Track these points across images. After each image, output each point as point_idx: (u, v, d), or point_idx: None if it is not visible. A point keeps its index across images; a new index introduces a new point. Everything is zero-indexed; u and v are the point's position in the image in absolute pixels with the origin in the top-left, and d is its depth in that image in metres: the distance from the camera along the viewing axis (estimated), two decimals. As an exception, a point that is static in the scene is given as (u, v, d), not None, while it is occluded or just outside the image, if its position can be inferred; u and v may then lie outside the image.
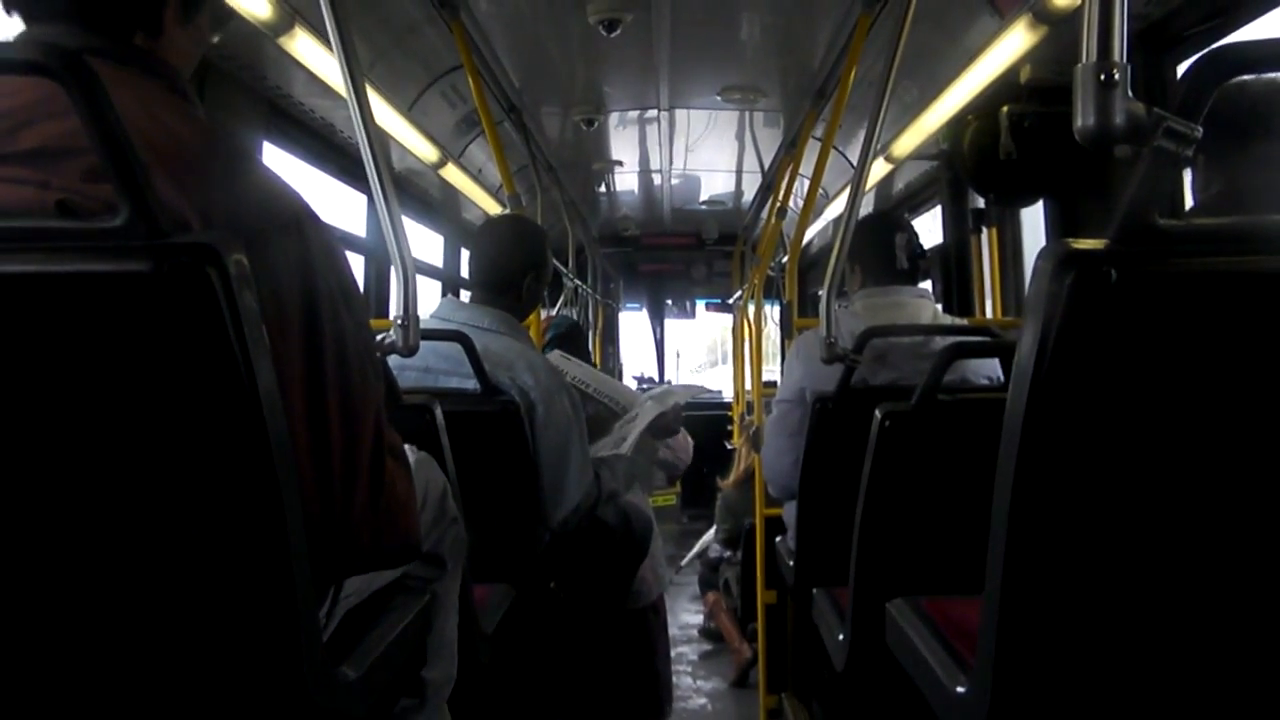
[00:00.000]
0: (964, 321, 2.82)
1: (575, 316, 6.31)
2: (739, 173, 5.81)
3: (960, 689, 1.22)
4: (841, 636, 2.00)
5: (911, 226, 2.71)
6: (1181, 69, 2.36)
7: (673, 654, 4.36)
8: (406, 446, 1.29)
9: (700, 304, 9.36)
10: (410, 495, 1.17)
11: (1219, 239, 0.99)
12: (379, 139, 1.70)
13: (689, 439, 3.33)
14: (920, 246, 2.65)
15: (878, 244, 2.60)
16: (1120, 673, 1.05)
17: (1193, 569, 1.03)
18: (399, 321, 1.64)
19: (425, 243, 5.00)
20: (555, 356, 2.92)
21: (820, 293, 2.37)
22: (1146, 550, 1.02)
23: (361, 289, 2.90)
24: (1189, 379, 0.98)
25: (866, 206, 4.81)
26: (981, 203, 3.69)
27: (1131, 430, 0.99)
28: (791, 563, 2.58)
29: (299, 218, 1.05)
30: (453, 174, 4.20)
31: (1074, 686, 1.07)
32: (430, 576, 1.57)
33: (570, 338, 3.56)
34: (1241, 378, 0.98)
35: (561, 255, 5.48)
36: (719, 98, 4.11)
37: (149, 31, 1.10)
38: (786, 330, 3.43)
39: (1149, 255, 0.94)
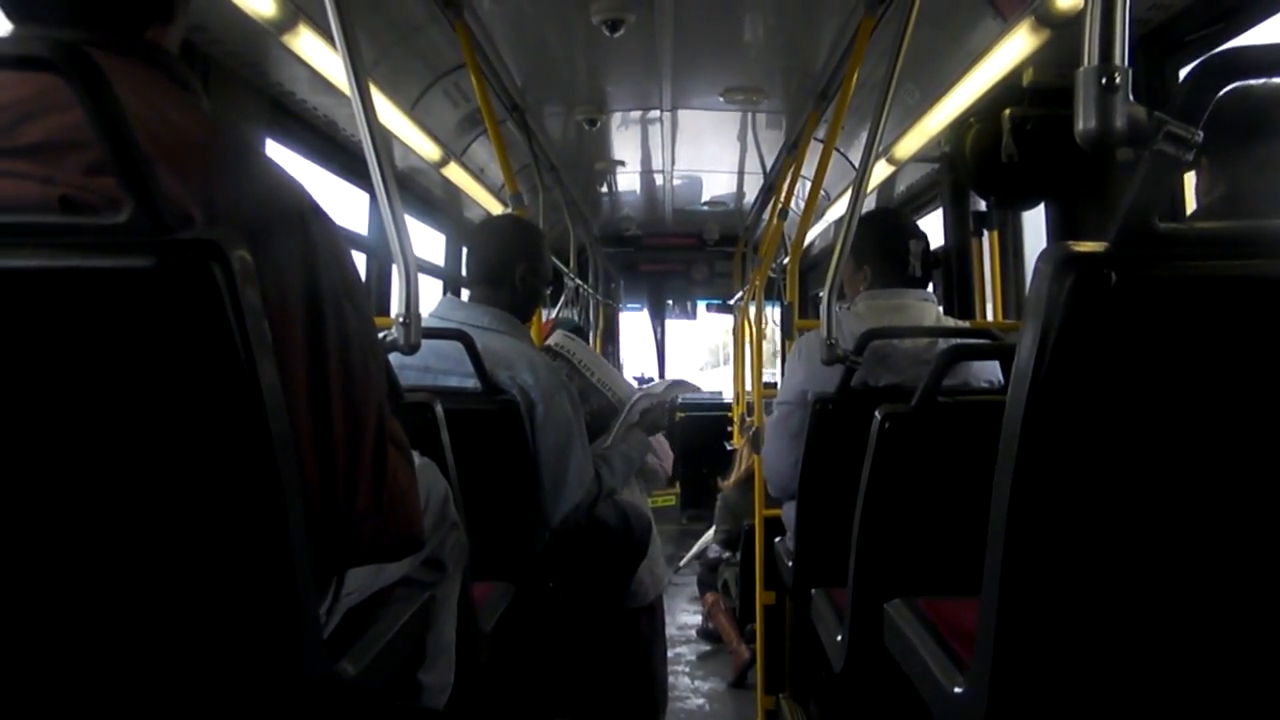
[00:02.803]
0: (965, 325, 2.82)
1: (576, 317, 6.31)
2: (740, 174, 5.81)
3: (958, 689, 1.22)
4: (840, 637, 2.00)
5: (920, 231, 2.70)
6: (1184, 74, 2.37)
7: (671, 654, 4.37)
8: None
9: (701, 304, 9.37)
10: (413, 486, 1.17)
11: (1219, 243, 0.99)
12: (382, 137, 1.70)
13: (670, 452, 3.32)
14: (934, 255, 2.64)
15: (891, 246, 2.56)
16: (1117, 673, 1.06)
17: (1191, 571, 1.04)
18: (400, 319, 1.64)
19: (428, 241, 5.01)
20: (559, 335, 2.92)
21: (821, 294, 2.37)
22: (1144, 552, 1.02)
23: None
24: (1188, 382, 0.98)
25: (867, 209, 4.81)
26: (983, 205, 3.69)
27: (1130, 433, 0.99)
28: (790, 564, 2.58)
29: (302, 211, 1.05)
30: (455, 173, 4.20)
31: (1071, 687, 1.07)
32: (431, 580, 1.58)
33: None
34: (1241, 381, 0.98)
35: (563, 255, 5.48)
36: (721, 99, 4.11)
37: (164, 18, 1.11)
38: (787, 331, 3.43)
39: (1149, 258, 0.94)
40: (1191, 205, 1.77)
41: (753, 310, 4.72)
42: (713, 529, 5.22)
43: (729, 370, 10.37)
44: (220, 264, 0.87)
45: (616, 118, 4.55)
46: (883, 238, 2.57)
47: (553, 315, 4.84)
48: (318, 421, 1.03)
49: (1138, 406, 0.98)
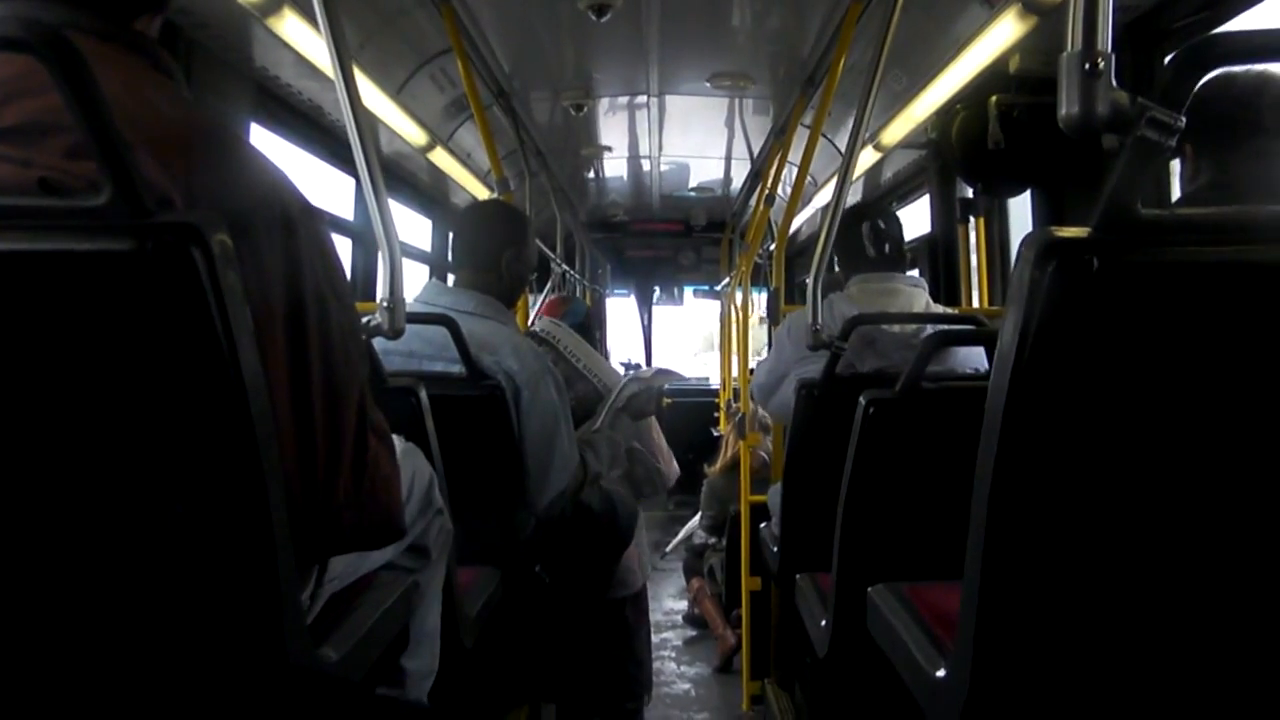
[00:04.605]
0: (952, 311, 2.83)
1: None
2: (728, 160, 5.81)
3: (939, 673, 1.23)
4: (824, 622, 2.01)
5: (886, 212, 2.72)
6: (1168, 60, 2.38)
7: (657, 640, 4.38)
8: (393, 436, 1.28)
9: (688, 290, 9.37)
10: (394, 474, 1.16)
11: (1201, 229, 1.00)
12: (367, 122, 1.69)
13: (675, 464, 3.27)
14: (887, 232, 2.65)
15: (847, 237, 2.63)
16: (1096, 656, 1.06)
17: (1170, 556, 1.04)
18: (384, 304, 1.63)
19: (414, 227, 5.00)
20: (545, 322, 2.91)
21: (807, 280, 2.38)
22: (1123, 537, 1.03)
23: (348, 272, 2.89)
24: (1170, 367, 0.98)
25: (854, 195, 4.82)
26: (970, 192, 3.70)
27: (1111, 418, 0.99)
28: (776, 549, 2.59)
29: (287, 206, 1.04)
30: (441, 158, 4.19)
31: (1050, 670, 1.08)
32: (415, 566, 1.58)
33: (582, 326, 3.56)
34: (1222, 366, 0.99)
35: (549, 241, 5.47)
36: (708, 84, 4.10)
37: (156, 9, 1.10)
38: (773, 317, 3.44)
39: (1131, 244, 0.94)
40: (1177, 192, 1.77)
41: (739, 296, 4.72)
42: (698, 515, 5.23)
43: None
44: (200, 247, 0.86)
45: (603, 103, 4.53)
46: (840, 233, 2.64)
47: (542, 301, 4.82)
48: (297, 412, 1.02)
49: (1119, 392, 0.99)
